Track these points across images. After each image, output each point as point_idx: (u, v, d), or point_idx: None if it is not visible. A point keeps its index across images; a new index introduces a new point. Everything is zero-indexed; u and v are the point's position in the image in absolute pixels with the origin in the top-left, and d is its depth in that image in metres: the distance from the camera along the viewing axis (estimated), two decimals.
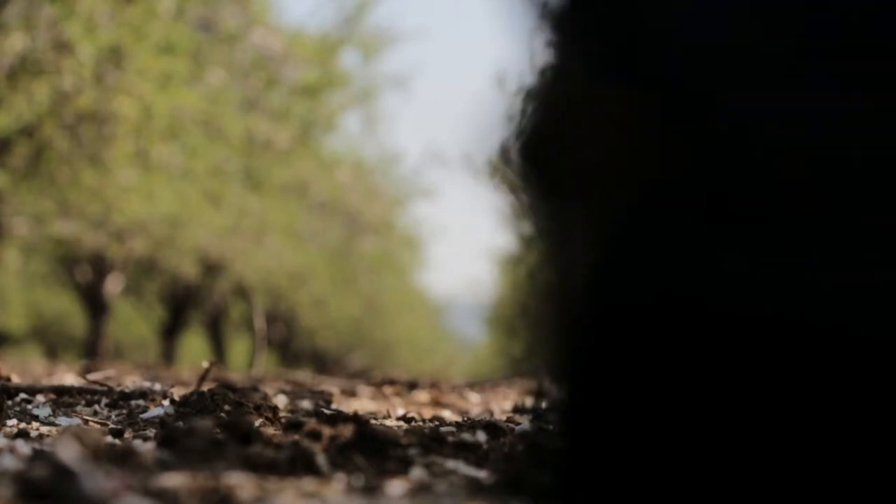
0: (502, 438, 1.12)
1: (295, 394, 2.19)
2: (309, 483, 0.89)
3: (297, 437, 1.01)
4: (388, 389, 2.62)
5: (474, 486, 0.88)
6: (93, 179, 7.52)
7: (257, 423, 1.40)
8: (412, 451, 1.04)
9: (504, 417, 1.86)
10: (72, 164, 7.20)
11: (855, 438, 0.86)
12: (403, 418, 1.72)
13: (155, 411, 1.44)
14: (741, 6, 1.00)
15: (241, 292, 16.82)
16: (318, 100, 12.09)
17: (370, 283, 20.40)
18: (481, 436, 1.15)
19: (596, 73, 1.03)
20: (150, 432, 1.25)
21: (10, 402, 1.62)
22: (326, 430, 1.03)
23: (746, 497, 0.88)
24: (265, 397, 1.52)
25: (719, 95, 0.98)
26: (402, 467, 0.98)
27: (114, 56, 6.55)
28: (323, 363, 25.19)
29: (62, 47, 6.29)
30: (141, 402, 1.65)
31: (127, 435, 1.26)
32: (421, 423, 1.60)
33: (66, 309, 19.36)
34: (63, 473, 0.68)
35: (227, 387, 1.60)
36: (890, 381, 0.85)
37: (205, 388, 1.71)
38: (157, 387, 1.76)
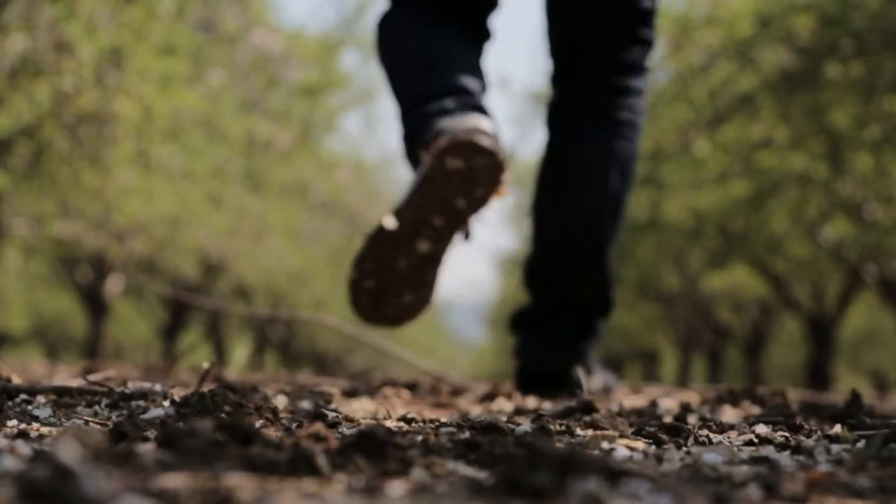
0: (503, 439, 1.12)
1: (295, 394, 2.19)
2: (309, 484, 0.89)
3: (297, 437, 1.01)
4: (388, 390, 2.63)
5: (475, 487, 0.88)
6: (93, 180, 7.53)
7: (258, 423, 1.40)
8: (412, 452, 1.04)
9: (505, 418, 1.86)
10: (72, 164, 7.20)
11: None
12: (404, 419, 1.72)
13: (155, 412, 1.44)
14: None
15: (242, 293, 16.83)
16: (319, 100, 12.10)
17: None
18: (482, 437, 1.15)
19: None
20: (151, 433, 1.25)
21: (10, 403, 1.62)
22: (327, 431, 1.03)
23: None
24: (265, 398, 1.52)
25: None
26: (403, 468, 0.98)
27: (114, 57, 6.56)
28: (323, 364, 25.20)
29: (63, 48, 6.30)
30: (141, 402, 1.65)
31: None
32: (421, 424, 1.60)
33: (67, 309, 19.38)
34: (63, 474, 0.68)
35: (228, 387, 1.60)
36: None
37: (205, 388, 1.71)
38: (158, 387, 1.76)
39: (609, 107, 2.55)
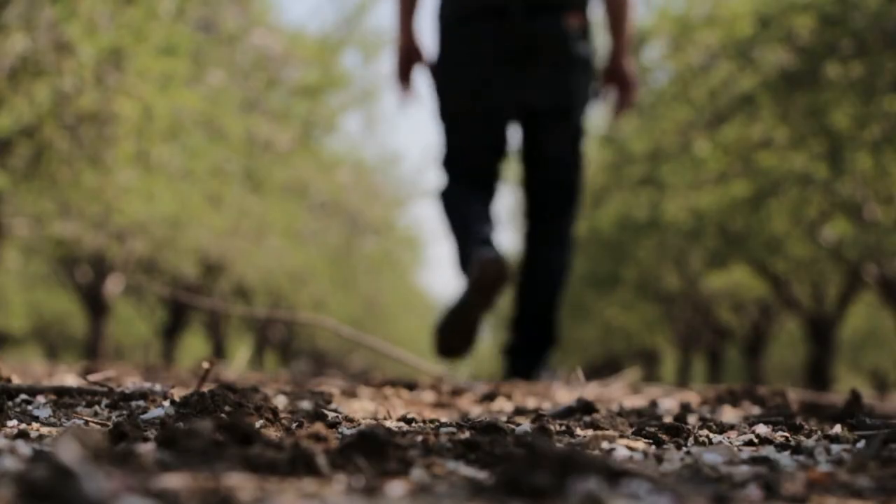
0: (503, 439, 1.12)
1: (295, 394, 2.19)
2: (309, 484, 0.89)
3: (297, 437, 1.01)
4: (388, 390, 2.63)
5: (475, 487, 0.88)
6: (93, 180, 7.52)
7: (258, 423, 1.40)
8: (412, 452, 1.04)
9: (505, 418, 1.86)
10: (72, 164, 7.20)
11: None
12: (404, 419, 1.71)
13: (155, 412, 1.44)
14: None
15: (242, 293, 16.82)
16: (319, 100, 12.10)
17: (370, 283, 20.42)
18: (482, 437, 1.15)
19: None
20: (151, 433, 1.25)
21: (10, 403, 1.62)
22: (327, 431, 1.03)
23: None
24: (265, 398, 1.52)
25: None
26: (403, 468, 0.98)
27: (114, 57, 6.55)
28: (323, 364, 25.20)
29: (63, 48, 6.30)
30: (141, 402, 1.65)
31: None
32: (421, 424, 1.60)
33: (67, 309, 19.38)
34: (63, 474, 0.68)
35: (228, 387, 1.60)
36: None
37: (205, 388, 1.71)
38: (158, 387, 1.75)
39: (549, 236, 4.37)
